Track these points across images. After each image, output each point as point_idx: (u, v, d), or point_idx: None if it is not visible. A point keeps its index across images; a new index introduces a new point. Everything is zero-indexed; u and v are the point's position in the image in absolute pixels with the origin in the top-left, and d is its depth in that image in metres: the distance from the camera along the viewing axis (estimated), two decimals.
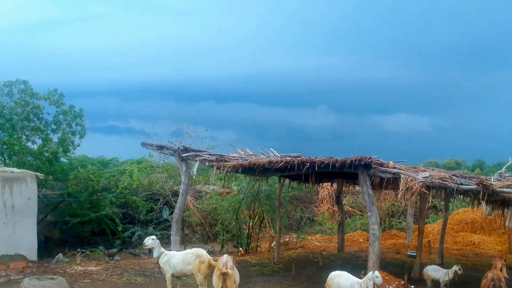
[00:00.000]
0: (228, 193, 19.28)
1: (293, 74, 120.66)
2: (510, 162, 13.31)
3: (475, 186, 8.93)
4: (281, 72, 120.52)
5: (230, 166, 11.03)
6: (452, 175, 9.96)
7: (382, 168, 9.62)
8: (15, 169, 9.83)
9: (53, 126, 15.72)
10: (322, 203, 23.12)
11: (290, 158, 10.50)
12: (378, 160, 9.68)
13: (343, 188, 17.16)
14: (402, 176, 9.32)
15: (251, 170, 11.12)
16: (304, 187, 17.70)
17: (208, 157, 11.52)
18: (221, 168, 11.21)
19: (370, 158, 9.50)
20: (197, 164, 11.55)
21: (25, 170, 10.16)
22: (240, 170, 11.38)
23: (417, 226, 15.08)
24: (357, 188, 18.10)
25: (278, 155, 12.35)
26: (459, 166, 58.67)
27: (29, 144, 15.45)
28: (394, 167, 9.74)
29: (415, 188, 9.04)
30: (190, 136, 16.34)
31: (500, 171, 14.57)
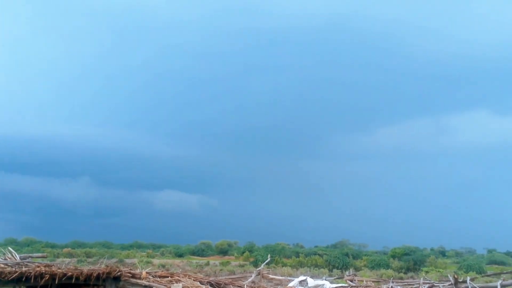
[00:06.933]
0: None
1: (51, 141, 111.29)
2: None
3: None
4: (38, 138, 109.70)
5: None
6: (207, 282, 9.83)
7: (133, 281, 8.87)
8: None
9: None
10: None
11: (26, 269, 8.83)
12: (129, 272, 8.88)
13: None
14: None
15: None
16: None
17: None
18: None
19: (120, 270, 8.64)
20: None
21: None
22: None
23: None
24: None
25: (18, 257, 10.53)
26: (231, 248, 61.86)
27: None
28: (147, 278, 9.09)
29: None
30: None
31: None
